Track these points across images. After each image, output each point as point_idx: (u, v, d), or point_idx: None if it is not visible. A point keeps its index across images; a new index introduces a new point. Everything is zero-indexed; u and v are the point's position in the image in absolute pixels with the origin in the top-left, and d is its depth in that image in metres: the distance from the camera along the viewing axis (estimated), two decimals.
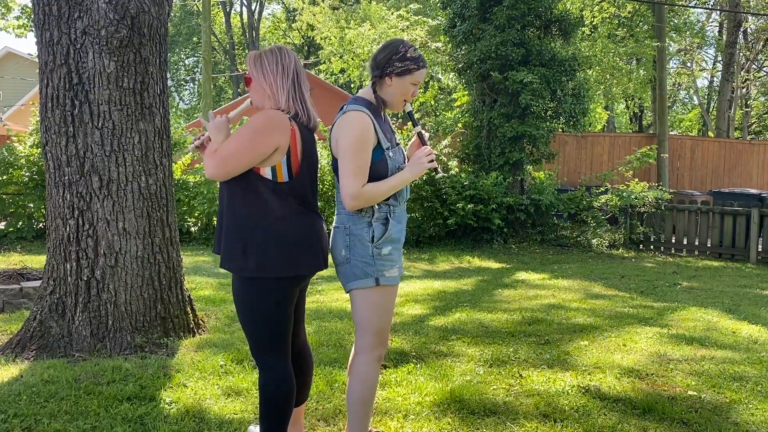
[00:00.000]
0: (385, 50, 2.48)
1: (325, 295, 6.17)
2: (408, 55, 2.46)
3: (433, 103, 15.45)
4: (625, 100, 26.92)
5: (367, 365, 2.52)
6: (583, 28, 15.90)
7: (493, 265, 8.72)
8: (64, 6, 3.96)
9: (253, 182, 2.34)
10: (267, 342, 2.42)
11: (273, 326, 2.40)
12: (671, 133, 23.30)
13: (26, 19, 17.14)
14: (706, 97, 32.28)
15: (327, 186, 9.86)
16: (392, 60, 2.45)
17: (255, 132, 2.31)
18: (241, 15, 38.31)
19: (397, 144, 2.58)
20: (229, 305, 5.39)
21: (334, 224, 2.56)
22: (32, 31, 15.31)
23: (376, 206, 2.45)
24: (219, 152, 2.34)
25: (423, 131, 2.68)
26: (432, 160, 2.53)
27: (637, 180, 11.39)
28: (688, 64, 28.63)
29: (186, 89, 43.59)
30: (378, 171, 2.43)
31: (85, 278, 4.03)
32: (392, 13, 16.14)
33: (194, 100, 42.12)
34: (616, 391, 3.51)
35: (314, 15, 18.89)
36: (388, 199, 2.47)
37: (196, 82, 41.42)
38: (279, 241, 2.34)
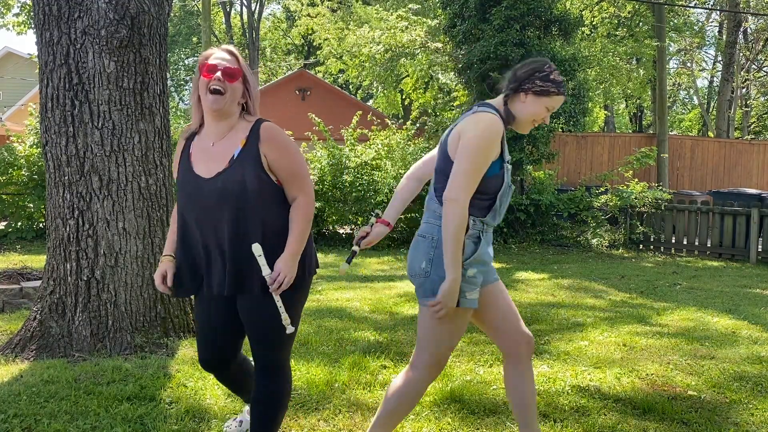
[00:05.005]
0: (528, 66, 2.35)
1: (325, 295, 6.17)
2: (551, 77, 2.31)
3: (432, 103, 15.45)
4: (625, 100, 26.94)
5: (417, 383, 2.37)
6: (583, 28, 15.91)
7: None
8: (64, 6, 3.96)
9: (279, 192, 2.33)
10: (291, 346, 2.42)
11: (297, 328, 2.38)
12: (671, 133, 23.31)
13: (25, 16, 17.10)
14: (706, 97, 32.28)
15: (326, 186, 9.84)
16: (534, 77, 2.31)
17: (293, 145, 2.37)
18: (241, 15, 38.25)
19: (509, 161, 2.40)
20: None
21: (418, 232, 2.37)
22: (32, 28, 15.29)
23: (471, 221, 2.27)
24: (300, 178, 2.34)
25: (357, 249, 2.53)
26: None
27: (637, 180, 11.38)
28: (688, 64, 28.63)
29: (186, 89, 43.54)
30: (493, 185, 2.28)
31: (85, 278, 4.03)
32: (391, 14, 16.14)
33: None
34: (616, 391, 3.51)
35: (312, 18, 18.90)
36: (485, 216, 2.31)
37: None
38: (308, 241, 2.39)
